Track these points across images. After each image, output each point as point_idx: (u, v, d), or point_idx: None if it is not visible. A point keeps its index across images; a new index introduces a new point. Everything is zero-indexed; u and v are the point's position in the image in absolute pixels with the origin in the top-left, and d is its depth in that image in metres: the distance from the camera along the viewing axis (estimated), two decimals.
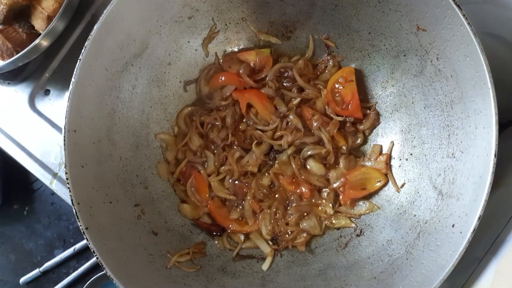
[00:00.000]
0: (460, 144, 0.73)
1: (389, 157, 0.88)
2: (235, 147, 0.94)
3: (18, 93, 1.15)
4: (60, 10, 1.00)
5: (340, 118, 0.90)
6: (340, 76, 0.90)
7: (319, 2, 0.88)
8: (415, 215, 0.78)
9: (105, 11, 0.77)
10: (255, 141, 0.92)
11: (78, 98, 0.77)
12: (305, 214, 0.90)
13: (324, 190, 0.91)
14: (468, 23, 0.66)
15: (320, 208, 0.90)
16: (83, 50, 0.76)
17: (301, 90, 0.94)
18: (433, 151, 0.79)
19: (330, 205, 0.89)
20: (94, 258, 0.73)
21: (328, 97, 0.91)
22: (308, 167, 0.91)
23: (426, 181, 0.79)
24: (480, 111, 0.67)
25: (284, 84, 0.95)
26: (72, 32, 1.13)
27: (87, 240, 0.72)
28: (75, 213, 0.73)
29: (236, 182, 0.93)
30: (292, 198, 0.91)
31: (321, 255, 0.88)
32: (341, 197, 0.88)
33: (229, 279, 0.85)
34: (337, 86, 0.90)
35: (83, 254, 1.30)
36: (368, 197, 0.88)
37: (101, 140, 0.82)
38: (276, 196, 0.92)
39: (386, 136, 0.90)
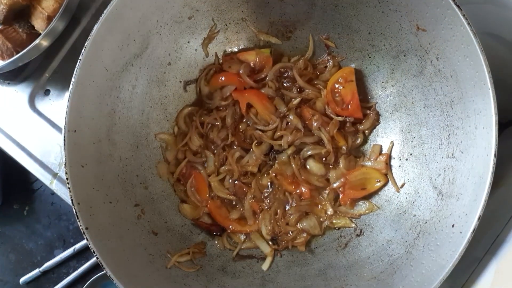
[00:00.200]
0: (460, 144, 0.73)
1: (389, 157, 0.88)
2: (235, 147, 0.94)
3: (18, 93, 1.15)
4: (60, 10, 1.00)
5: (340, 118, 0.90)
6: (340, 76, 0.90)
7: (319, 2, 0.88)
8: (415, 215, 0.78)
9: (105, 11, 0.77)
10: (255, 141, 0.92)
11: (78, 98, 0.77)
12: (305, 214, 0.90)
13: (324, 190, 0.91)
14: (468, 23, 0.66)
15: (320, 208, 0.90)
16: (83, 50, 0.76)
17: (301, 90, 0.94)
18: (433, 151, 0.79)
19: (330, 205, 0.89)
20: (94, 258, 0.73)
21: (328, 97, 0.91)
22: (308, 167, 0.91)
23: (426, 181, 0.79)
24: (480, 111, 0.67)
25: (284, 84, 0.95)
26: (72, 32, 1.13)
27: (87, 240, 0.72)
28: (75, 213, 0.73)
29: (236, 182, 0.93)
30: (292, 198, 0.91)
31: (321, 255, 0.88)
32: (341, 197, 0.88)
33: (229, 279, 0.85)
34: (337, 86, 0.90)
35: (83, 254, 1.30)
36: (368, 197, 0.88)
37: (101, 140, 0.82)
38: (276, 196, 0.92)
39: (386, 136, 0.90)
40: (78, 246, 1.29)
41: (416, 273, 0.70)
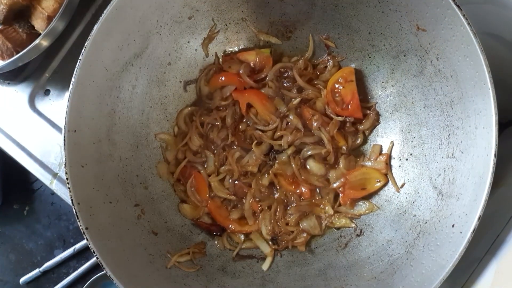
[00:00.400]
0: (460, 144, 0.73)
1: (389, 157, 0.88)
2: (235, 147, 0.94)
3: (18, 93, 1.15)
4: (60, 10, 1.00)
5: (340, 118, 0.90)
6: (340, 76, 0.90)
7: (319, 2, 0.88)
8: (415, 215, 0.78)
9: (105, 11, 0.77)
10: (255, 141, 0.92)
11: (78, 98, 0.77)
12: (305, 214, 0.90)
13: (324, 190, 0.91)
14: (468, 23, 0.66)
15: (320, 208, 0.90)
16: (83, 50, 0.76)
17: (301, 90, 0.94)
18: (433, 151, 0.79)
19: (330, 205, 0.89)
20: (94, 258, 0.73)
21: (328, 97, 0.91)
22: (308, 167, 0.91)
23: (426, 181, 0.79)
24: (480, 111, 0.67)
25: (284, 84, 0.95)
26: (72, 32, 1.13)
27: (87, 240, 0.72)
28: (75, 213, 0.73)
29: (236, 182, 0.93)
30: (292, 198, 0.91)
31: (321, 255, 0.88)
32: (341, 197, 0.88)
33: (229, 279, 0.85)
34: (337, 86, 0.90)
35: (83, 254, 1.30)
36: (368, 197, 0.88)
37: (101, 140, 0.82)
38: (276, 196, 0.92)
39: (386, 136, 0.90)
40: (78, 246, 1.29)
41: (416, 273, 0.70)
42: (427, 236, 0.73)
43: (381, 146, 0.90)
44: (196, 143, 0.95)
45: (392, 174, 0.87)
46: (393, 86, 0.87)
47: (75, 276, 1.28)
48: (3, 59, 1.06)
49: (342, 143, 0.90)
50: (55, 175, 1.10)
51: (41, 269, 1.30)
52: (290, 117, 0.91)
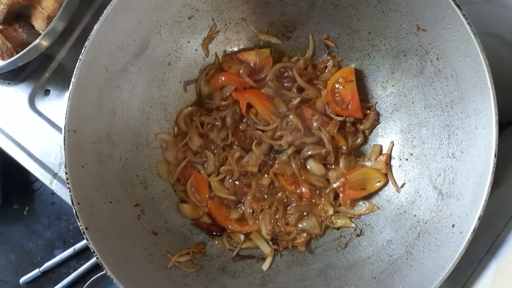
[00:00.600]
0: (460, 144, 0.73)
1: (389, 157, 0.88)
2: (235, 147, 0.94)
3: (18, 93, 1.15)
4: (60, 10, 1.00)
5: (340, 118, 0.90)
6: (340, 76, 0.90)
7: (319, 2, 0.88)
8: (415, 215, 0.78)
9: (105, 11, 0.77)
10: (255, 141, 0.92)
11: (78, 98, 0.77)
12: (305, 214, 0.90)
13: (324, 190, 0.91)
14: (468, 23, 0.66)
15: (320, 208, 0.90)
16: (83, 50, 0.76)
17: (301, 90, 0.94)
18: (433, 151, 0.79)
19: (330, 205, 0.89)
20: (94, 258, 0.73)
21: (328, 97, 0.91)
22: (308, 167, 0.91)
23: (426, 181, 0.79)
24: (480, 111, 0.67)
25: (284, 84, 0.95)
26: (72, 32, 1.13)
27: (87, 240, 0.72)
28: (75, 213, 0.73)
29: (236, 182, 0.93)
30: (292, 198, 0.90)
31: (321, 255, 0.88)
32: (341, 197, 0.88)
33: (229, 279, 0.85)
34: (337, 86, 0.90)
35: (83, 254, 1.30)
36: (368, 197, 0.88)
37: (101, 140, 0.82)
38: (276, 196, 0.92)
39: (386, 136, 0.90)
40: (78, 246, 1.29)
41: (416, 273, 0.70)
42: (427, 236, 0.73)
43: (381, 146, 0.90)
44: (196, 143, 0.95)
45: (392, 174, 0.87)
46: (393, 86, 0.87)
47: (75, 276, 1.28)
48: (3, 59, 1.06)
49: (342, 143, 0.90)
50: (55, 175, 1.10)
51: (41, 269, 1.30)
52: (290, 117, 0.91)
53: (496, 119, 0.64)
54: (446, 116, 0.76)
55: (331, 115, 0.91)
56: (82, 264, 1.29)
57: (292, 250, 0.89)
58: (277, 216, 0.90)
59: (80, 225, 0.73)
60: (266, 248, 0.89)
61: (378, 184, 0.87)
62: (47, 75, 1.14)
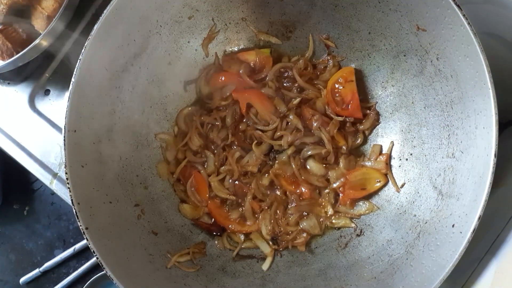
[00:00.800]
0: (460, 144, 0.73)
1: (389, 157, 0.88)
2: (235, 147, 0.94)
3: (18, 93, 1.15)
4: (60, 10, 1.00)
5: (340, 118, 0.90)
6: (340, 76, 0.90)
7: (319, 2, 0.88)
8: (415, 215, 0.78)
9: (105, 11, 0.77)
10: (255, 141, 0.92)
11: (78, 98, 0.77)
12: (305, 214, 0.90)
13: (324, 190, 0.91)
14: (468, 23, 0.66)
15: (320, 208, 0.90)
16: (83, 50, 0.76)
17: (301, 90, 0.94)
18: (433, 151, 0.79)
19: (330, 205, 0.89)
20: (94, 258, 0.73)
21: (328, 97, 0.91)
22: (308, 167, 0.91)
23: (426, 181, 0.79)
24: (480, 111, 0.67)
25: (284, 84, 0.95)
26: (72, 32, 1.13)
27: (87, 240, 0.72)
28: (75, 213, 0.73)
29: (236, 182, 0.93)
30: (292, 198, 0.90)
31: (321, 255, 0.88)
32: (341, 197, 0.88)
33: (229, 279, 0.85)
34: (337, 86, 0.90)
35: (83, 254, 1.30)
36: (368, 197, 0.88)
37: (101, 140, 0.82)
38: (276, 196, 0.92)
39: (386, 136, 0.90)
40: (78, 246, 1.29)
41: (416, 273, 0.70)
42: (427, 236, 0.73)
43: (381, 146, 0.90)
44: (196, 143, 0.95)
45: (392, 174, 0.87)
46: (393, 86, 0.87)
47: (75, 276, 1.28)
48: (3, 59, 1.06)
49: (342, 143, 0.90)
50: (55, 175, 1.10)
51: (41, 269, 1.30)
52: (290, 117, 0.91)
53: (496, 119, 0.64)
54: (446, 116, 0.76)
55: (331, 115, 0.91)
56: (82, 264, 1.29)
57: (292, 250, 0.89)
58: (277, 216, 0.90)
59: (80, 225, 0.73)
60: (266, 248, 0.89)
61: (378, 184, 0.87)
62: (47, 75, 1.14)
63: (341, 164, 0.89)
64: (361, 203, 0.88)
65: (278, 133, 0.91)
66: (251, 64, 0.95)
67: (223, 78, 0.95)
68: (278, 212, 0.90)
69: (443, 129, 0.77)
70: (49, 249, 1.33)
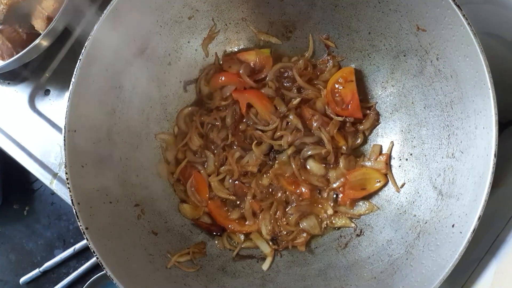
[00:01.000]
0: (460, 144, 0.73)
1: (389, 157, 0.88)
2: (235, 147, 0.94)
3: (18, 93, 1.15)
4: (60, 10, 1.00)
5: (340, 118, 0.90)
6: (340, 76, 0.90)
7: (319, 2, 0.88)
8: (415, 215, 0.78)
9: (105, 11, 0.77)
10: (255, 141, 0.92)
11: (78, 98, 0.77)
12: (305, 214, 0.90)
13: (324, 190, 0.91)
14: (468, 23, 0.66)
15: (320, 208, 0.90)
16: (83, 50, 0.76)
17: (301, 90, 0.94)
18: (433, 151, 0.79)
19: (330, 205, 0.89)
20: (94, 258, 0.73)
21: (328, 97, 0.91)
22: (308, 167, 0.91)
23: (426, 181, 0.79)
24: (480, 111, 0.67)
25: (284, 84, 0.95)
26: (72, 32, 1.13)
27: (87, 240, 0.72)
28: (75, 213, 0.73)
29: (236, 182, 0.93)
30: (292, 198, 0.90)
31: (321, 255, 0.88)
32: (341, 197, 0.88)
33: (229, 279, 0.85)
34: (337, 86, 0.90)
35: (83, 254, 1.30)
36: (368, 197, 0.88)
37: (101, 140, 0.82)
38: (276, 196, 0.92)
39: (386, 136, 0.90)
40: (78, 246, 1.29)
41: (416, 273, 0.70)
42: (427, 236, 0.73)
43: (381, 146, 0.90)
44: (196, 143, 0.95)
45: (392, 174, 0.87)
46: (393, 86, 0.87)
47: (75, 276, 1.28)
48: (3, 59, 1.07)
49: (342, 143, 0.90)
50: (55, 175, 1.10)
51: (41, 269, 1.30)
52: (290, 117, 0.91)
53: (496, 119, 0.64)
54: (446, 116, 0.76)
55: (331, 115, 0.91)
56: (82, 264, 1.29)
57: (292, 250, 0.89)
58: (277, 216, 0.90)
59: (80, 225, 0.73)
60: (266, 248, 0.89)
61: (378, 184, 0.87)
62: (47, 75, 1.14)
63: (341, 164, 0.89)
64: (361, 203, 0.88)
65: (278, 133, 0.91)
66: (251, 64, 0.95)
67: (223, 78, 0.95)
68: (278, 212, 0.90)
69: (443, 129, 0.77)
70: (49, 249, 1.34)
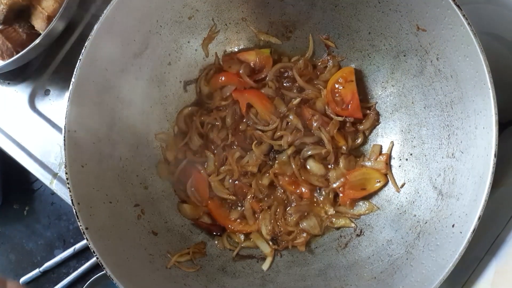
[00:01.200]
0: (460, 144, 0.73)
1: (389, 157, 0.88)
2: (235, 147, 0.94)
3: (18, 93, 1.15)
4: (60, 10, 1.00)
5: (340, 118, 0.90)
6: (340, 76, 0.90)
7: (319, 2, 0.88)
8: (415, 215, 0.78)
9: (105, 11, 0.77)
10: (255, 141, 0.92)
11: (78, 98, 0.77)
12: (305, 214, 0.90)
13: (324, 190, 0.91)
14: (468, 23, 0.66)
15: (320, 208, 0.90)
16: (83, 50, 0.76)
17: (301, 90, 0.94)
18: (433, 151, 0.79)
19: (330, 205, 0.89)
20: (94, 258, 0.73)
21: (328, 97, 0.91)
22: (308, 167, 0.91)
23: (426, 181, 0.79)
24: (480, 111, 0.67)
25: (284, 84, 0.95)
26: (72, 32, 1.13)
27: (87, 240, 0.72)
28: (75, 213, 0.73)
29: (236, 182, 0.93)
30: (292, 198, 0.90)
31: (321, 255, 0.88)
32: (341, 197, 0.88)
33: (229, 279, 0.85)
34: (337, 86, 0.90)
35: (83, 254, 1.30)
36: (368, 197, 0.88)
37: (101, 140, 0.82)
38: (276, 196, 0.92)
39: (386, 136, 0.90)
40: (78, 246, 1.29)
41: (416, 273, 0.70)
42: (427, 236, 0.73)
43: (381, 146, 0.90)
44: (196, 143, 0.95)
45: (392, 174, 0.87)
46: (393, 86, 0.87)
47: (75, 276, 1.28)
48: (3, 59, 1.06)
49: (342, 143, 0.90)
50: (55, 175, 1.10)
51: (41, 269, 1.30)
52: (290, 117, 0.91)
53: (496, 119, 0.64)
54: (446, 116, 0.76)
55: (331, 115, 0.91)
56: (82, 264, 1.29)
57: (292, 250, 0.89)
58: (277, 216, 0.90)
59: (80, 225, 0.73)
60: (266, 248, 0.89)
61: (378, 184, 0.87)
62: (47, 75, 1.14)
63: (341, 164, 0.89)
64: (361, 203, 0.88)
65: (278, 133, 0.91)
66: (251, 64, 0.95)
67: (223, 78, 0.95)
68: (278, 212, 0.90)
69: (443, 129, 0.77)
70: (49, 249, 1.33)
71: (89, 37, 0.77)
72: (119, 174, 0.85)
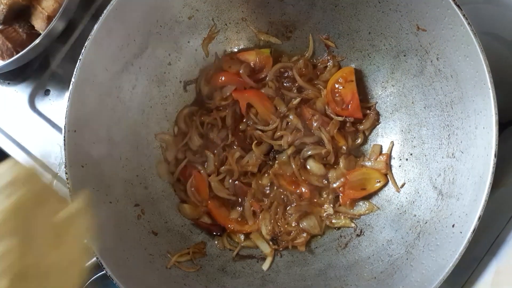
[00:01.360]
0: (460, 144, 0.73)
1: (389, 157, 0.88)
2: (235, 147, 0.94)
3: (18, 93, 1.15)
4: (60, 10, 1.00)
5: (340, 118, 0.90)
6: (340, 76, 0.90)
7: (319, 2, 0.88)
8: (415, 215, 0.78)
9: (105, 11, 0.77)
10: (255, 141, 0.92)
11: (78, 98, 0.77)
12: (305, 214, 0.90)
13: (324, 190, 0.91)
14: (468, 23, 0.66)
15: (320, 208, 0.90)
16: (83, 50, 0.76)
17: (301, 90, 0.94)
18: (433, 151, 0.79)
19: (330, 205, 0.89)
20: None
21: (328, 97, 0.91)
22: (308, 167, 0.91)
23: (426, 181, 0.79)
24: (480, 111, 0.67)
25: (284, 84, 0.95)
26: (72, 32, 1.13)
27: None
28: None
29: (236, 182, 0.93)
30: (292, 198, 0.90)
31: (321, 255, 0.88)
32: (341, 197, 0.88)
33: (229, 279, 0.85)
34: (337, 86, 0.90)
35: None
36: (368, 197, 0.88)
37: (101, 140, 0.82)
38: (276, 196, 0.92)
39: (386, 136, 0.90)
40: None
41: (416, 273, 0.70)
42: (427, 236, 0.73)
43: (381, 146, 0.90)
44: (196, 143, 0.95)
45: (392, 174, 0.87)
46: (393, 86, 0.87)
47: None
48: (3, 59, 1.06)
49: (342, 143, 0.90)
50: (55, 175, 1.09)
51: None
52: (290, 117, 0.91)
53: (496, 119, 0.64)
54: (446, 116, 0.76)
55: (331, 115, 0.91)
56: None
57: (292, 250, 0.89)
58: (277, 216, 0.90)
59: None
60: (266, 248, 0.89)
61: (378, 184, 0.87)
62: (47, 75, 1.14)
63: (341, 164, 0.89)
64: (361, 203, 0.88)
65: (278, 133, 0.91)
66: (251, 64, 0.95)
67: (223, 78, 0.95)
68: (278, 212, 0.90)
69: (443, 129, 0.77)
70: None
71: (89, 37, 0.77)
72: (119, 174, 0.85)
